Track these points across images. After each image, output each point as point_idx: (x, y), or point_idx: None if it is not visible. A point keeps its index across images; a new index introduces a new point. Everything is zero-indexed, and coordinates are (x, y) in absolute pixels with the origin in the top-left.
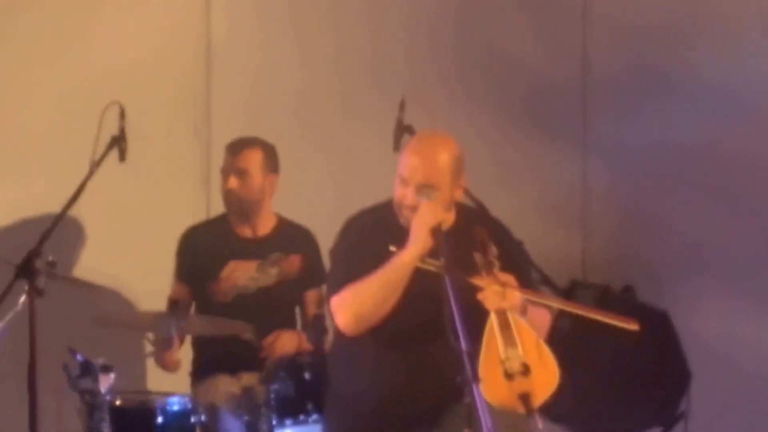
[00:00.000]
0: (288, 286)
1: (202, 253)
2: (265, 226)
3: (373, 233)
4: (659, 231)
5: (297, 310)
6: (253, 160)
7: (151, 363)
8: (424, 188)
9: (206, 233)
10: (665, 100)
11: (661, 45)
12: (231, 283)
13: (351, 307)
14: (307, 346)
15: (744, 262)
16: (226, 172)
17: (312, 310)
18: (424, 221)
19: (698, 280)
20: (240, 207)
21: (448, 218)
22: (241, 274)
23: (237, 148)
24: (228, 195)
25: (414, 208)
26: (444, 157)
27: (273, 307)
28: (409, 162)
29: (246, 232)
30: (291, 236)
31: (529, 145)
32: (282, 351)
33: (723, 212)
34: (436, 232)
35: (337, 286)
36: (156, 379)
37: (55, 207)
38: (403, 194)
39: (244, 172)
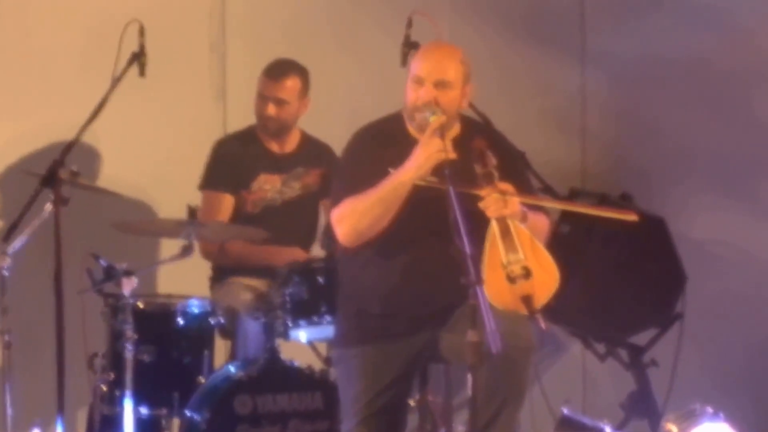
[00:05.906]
0: (310, 199)
1: (237, 162)
2: (291, 142)
3: (376, 146)
4: (655, 140)
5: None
6: (292, 89)
7: (168, 268)
8: (439, 86)
9: (240, 144)
10: (660, 14)
11: None
12: (261, 194)
13: (349, 222)
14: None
15: (735, 169)
16: (264, 98)
17: (326, 218)
18: (430, 153)
19: (693, 186)
20: (276, 130)
21: (454, 129)
22: (270, 187)
23: (276, 75)
24: (266, 120)
25: (429, 104)
26: (456, 59)
27: (297, 218)
28: (424, 62)
29: (274, 147)
30: (313, 152)
31: (529, 59)
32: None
33: (716, 122)
34: (442, 161)
35: (338, 199)
36: (174, 284)
37: (78, 121)
38: (418, 95)
39: (283, 101)
